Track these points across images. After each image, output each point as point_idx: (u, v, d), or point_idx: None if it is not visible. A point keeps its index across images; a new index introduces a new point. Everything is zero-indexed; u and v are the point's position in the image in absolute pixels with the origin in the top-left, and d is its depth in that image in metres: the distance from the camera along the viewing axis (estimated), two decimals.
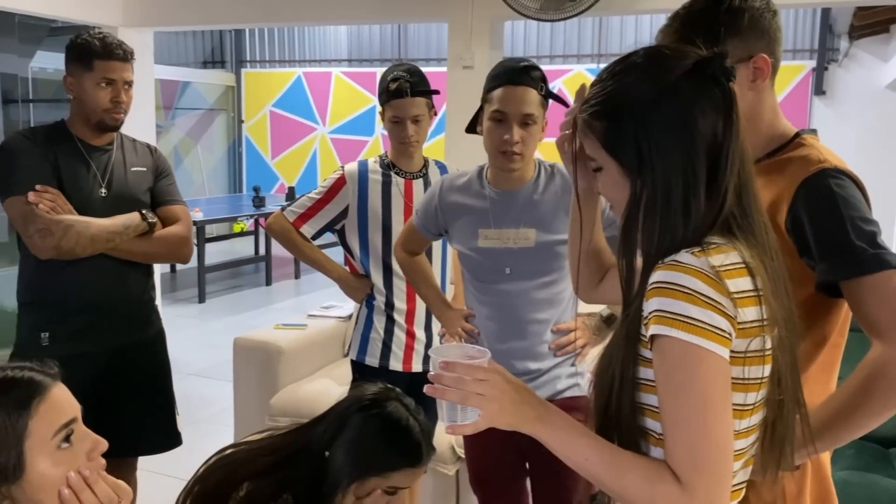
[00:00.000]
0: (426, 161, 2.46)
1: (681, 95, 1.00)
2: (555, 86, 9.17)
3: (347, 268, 2.51)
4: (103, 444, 1.14)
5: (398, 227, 2.35)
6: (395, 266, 2.37)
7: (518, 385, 1.05)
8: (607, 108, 1.04)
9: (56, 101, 8.21)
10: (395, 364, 2.40)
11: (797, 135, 1.35)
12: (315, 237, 2.44)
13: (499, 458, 2.09)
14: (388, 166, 2.39)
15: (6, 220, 2.14)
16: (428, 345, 2.44)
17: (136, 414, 2.27)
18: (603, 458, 0.99)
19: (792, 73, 7.94)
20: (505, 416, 1.02)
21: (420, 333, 2.43)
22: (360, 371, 2.44)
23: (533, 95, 1.89)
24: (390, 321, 2.40)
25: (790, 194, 1.25)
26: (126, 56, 2.16)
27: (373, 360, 2.41)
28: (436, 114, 2.43)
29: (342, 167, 2.41)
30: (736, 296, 0.96)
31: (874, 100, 7.47)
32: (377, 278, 2.40)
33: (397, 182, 2.38)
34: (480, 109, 1.98)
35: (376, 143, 10.10)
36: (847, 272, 1.19)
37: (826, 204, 1.22)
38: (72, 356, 2.04)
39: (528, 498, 2.19)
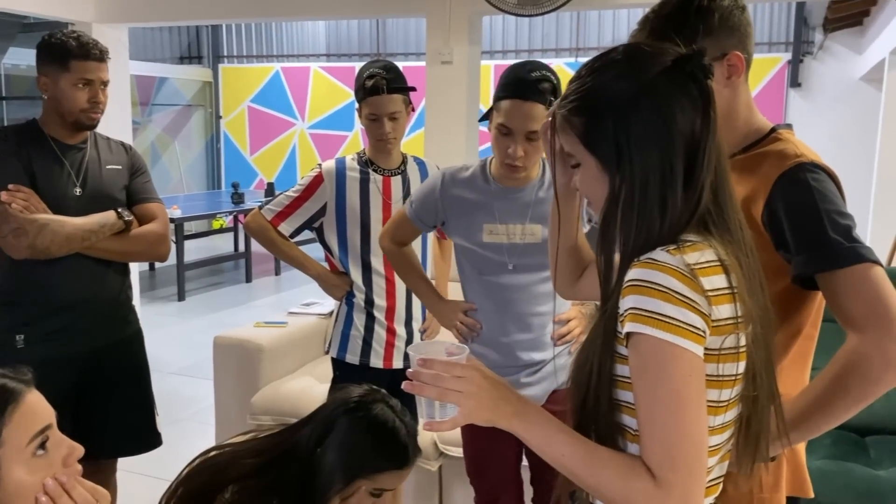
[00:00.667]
0: (405, 157, 2.45)
1: (659, 92, 1.00)
2: None
3: (327, 265, 2.50)
4: (79, 450, 1.12)
5: (377, 224, 2.34)
6: (375, 263, 2.37)
7: (496, 381, 1.05)
8: (586, 104, 1.04)
9: (30, 99, 8.10)
10: (376, 361, 2.40)
11: (773, 129, 1.37)
12: (293, 235, 2.42)
13: (495, 447, 2.11)
14: (366, 163, 2.38)
15: None
16: (409, 341, 2.44)
17: (115, 415, 2.25)
18: (578, 454, 1.00)
19: (768, 65, 8.02)
20: (482, 412, 1.02)
21: (401, 330, 2.43)
22: (341, 368, 2.43)
23: (540, 111, 1.87)
24: (370, 318, 2.40)
25: (767, 189, 1.26)
26: (102, 56, 2.14)
27: (353, 357, 2.40)
28: (413, 110, 2.42)
29: (319, 165, 2.39)
30: (710, 294, 0.97)
31: (849, 92, 7.56)
32: (356, 276, 2.39)
33: (375, 179, 2.37)
34: (492, 109, 1.97)
35: (356, 139, 10.07)
36: (823, 265, 1.20)
37: (803, 198, 1.23)
38: (48, 358, 2.03)
39: (522, 488, 2.22)
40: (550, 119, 1.14)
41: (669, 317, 0.95)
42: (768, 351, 1.07)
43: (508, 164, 1.93)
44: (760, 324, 1.04)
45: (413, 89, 2.38)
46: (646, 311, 0.96)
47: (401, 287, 2.39)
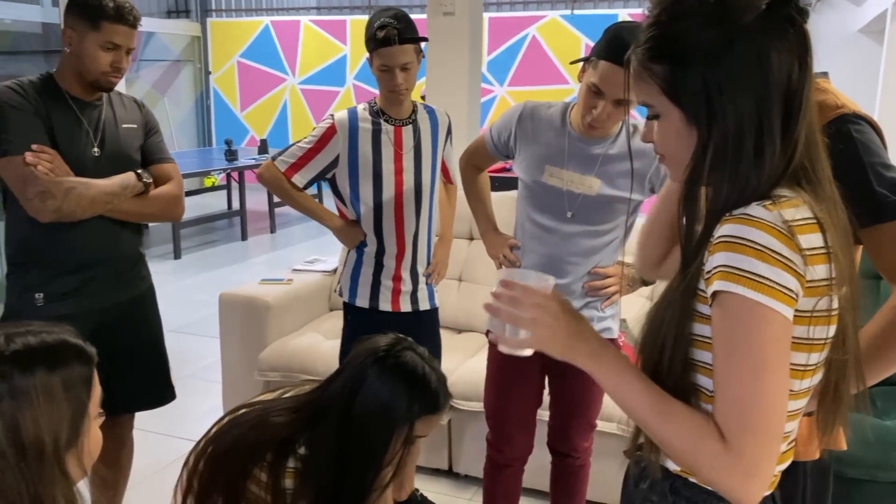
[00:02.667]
0: (415, 106, 2.45)
1: (755, 38, 0.94)
2: (528, 33, 9.07)
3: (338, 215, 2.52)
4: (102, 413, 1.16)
5: (388, 174, 2.36)
6: (386, 212, 2.40)
7: (576, 316, 1.03)
8: (670, 51, 0.97)
9: (13, 54, 7.93)
10: (385, 305, 2.46)
11: None
12: (306, 187, 2.43)
13: (519, 388, 2.17)
14: (377, 114, 2.38)
15: None
16: (414, 288, 2.50)
17: (130, 370, 2.24)
18: (653, 405, 0.98)
19: None
20: (555, 344, 1.01)
21: (406, 276, 2.48)
22: (352, 312, 2.50)
23: None
24: (379, 266, 2.44)
25: None
26: (135, 23, 2.08)
27: (363, 301, 2.45)
28: (423, 57, 2.41)
29: (332, 115, 2.39)
30: (807, 253, 0.93)
31: (847, 44, 7.50)
32: (368, 225, 2.42)
33: (387, 129, 2.37)
34: (588, 60, 1.96)
35: (348, 94, 9.95)
36: (869, 219, 1.19)
37: (846, 151, 1.21)
38: (66, 315, 2.00)
39: (535, 429, 2.30)
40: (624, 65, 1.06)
41: (763, 276, 0.91)
42: (855, 312, 1.03)
43: (589, 123, 1.96)
44: (849, 282, 1.00)
45: (425, 39, 2.36)
46: (738, 269, 0.91)
47: (409, 236, 2.45)
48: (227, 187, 8.68)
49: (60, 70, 2.10)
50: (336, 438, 1.48)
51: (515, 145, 2.15)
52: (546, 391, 2.28)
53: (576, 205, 2.05)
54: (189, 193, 8.71)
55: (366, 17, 7.78)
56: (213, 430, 1.56)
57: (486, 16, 8.71)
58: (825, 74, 1.36)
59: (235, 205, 8.09)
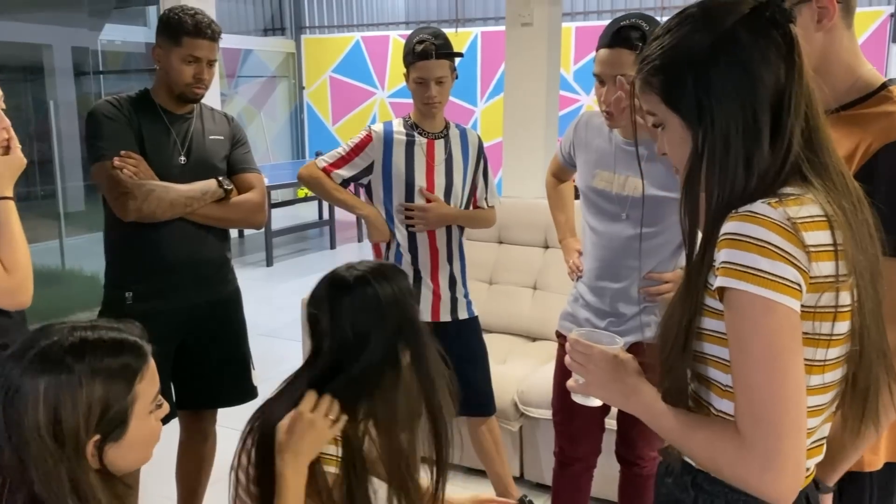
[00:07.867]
0: (447, 123, 2.59)
1: (738, 42, 0.98)
2: None
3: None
4: (165, 408, 1.20)
5: (420, 184, 2.49)
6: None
7: (617, 368, 1.12)
8: (664, 63, 1.03)
9: (123, 72, 8.45)
10: (425, 315, 2.54)
11: (884, 85, 1.27)
12: (343, 185, 2.56)
13: None
14: (412, 127, 2.53)
15: (83, 189, 2.20)
16: (454, 298, 2.58)
17: (213, 368, 2.38)
18: (676, 426, 1.03)
19: (869, 19, 7.58)
20: (595, 390, 1.15)
21: (444, 287, 2.57)
22: None
23: (626, 56, 1.92)
24: (417, 276, 2.55)
25: (868, 153, 1.20)
26: (214, 36, 2.24)
27: None
28: (457, 77, 2.54)
29: (369, 126, 2.54)
30: (811, 249, 0.94)
31: None
32: (402, 237, 2.52)
33: (420, 142, 2.50)
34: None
35: None
36: None
37: None
38: (154, 313, 2.15)
39: (602, 436, 2.31)
40: (630, 84, 1.14)
41: (763, 271, 0.93)
42: (877, 304, 1.03)
43: (606, 112, 2.01)
44: (869, 276, 1.00)
45: (460, 55, 2.50)
46: (739, 265, 0.94)
47: (442, 247, 2.55)
48: (318, 198, 8.94)
49: (155, 86, 2.30)
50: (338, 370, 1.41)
51: (574, 155, 2.22)
52: None
53: (626, 207, 2.07)
54: (282, 204, 9.08)
55: (453, 31, 7.89)
56: (247, 427, 1.53)
57: (573, 25, 8.67)
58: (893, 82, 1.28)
59: (326, 215, 8.36)
